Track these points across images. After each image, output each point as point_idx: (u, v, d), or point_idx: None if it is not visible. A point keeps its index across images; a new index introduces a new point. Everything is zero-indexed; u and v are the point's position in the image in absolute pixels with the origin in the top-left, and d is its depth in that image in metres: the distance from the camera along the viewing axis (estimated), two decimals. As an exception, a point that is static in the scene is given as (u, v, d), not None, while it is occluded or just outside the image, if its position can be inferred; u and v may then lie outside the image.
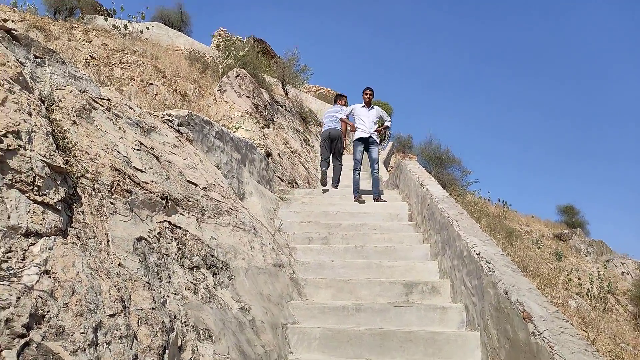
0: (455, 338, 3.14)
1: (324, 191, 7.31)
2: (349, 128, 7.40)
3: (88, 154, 2.52)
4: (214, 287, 2.90)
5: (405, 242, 5.07)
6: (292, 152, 11.02)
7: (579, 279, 14.17)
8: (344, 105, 8.64)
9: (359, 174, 6.82)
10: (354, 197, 6.56)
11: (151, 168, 3.09)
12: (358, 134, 6.89)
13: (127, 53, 12.29)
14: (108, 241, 2.20)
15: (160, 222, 2.79)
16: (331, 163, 8.27)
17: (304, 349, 3.21)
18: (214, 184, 3.98)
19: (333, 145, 8.13)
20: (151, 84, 10.45)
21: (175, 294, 2.46)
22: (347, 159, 10.94)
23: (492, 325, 2.88)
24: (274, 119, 12.11)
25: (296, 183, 8.95)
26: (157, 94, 10.22)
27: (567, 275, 13.67)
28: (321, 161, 8.12)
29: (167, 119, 4.30)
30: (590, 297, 11.91)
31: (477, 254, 3.32)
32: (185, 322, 2.33)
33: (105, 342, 1.73)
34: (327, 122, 8.28)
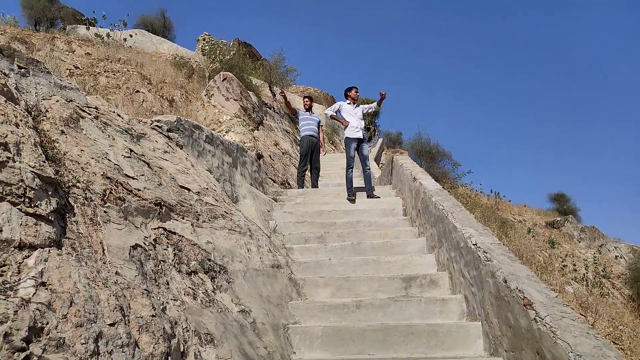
0: (457, 329, 3.15)
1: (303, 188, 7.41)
2: (326, 138, 7.45)
3: (78, 163, 2.48)
4: (213, 291, 2.88)
5: (401, 237, 5.07)
6: (282, 153, 10.99)
7: (574, 265, 14.30)
8: (310, 106, 8.45)
9: (352, 171, 6.83)
10: (348, 195, 6.56)
11: (143, 175, 3.06)
12: (351, 133, 6.90)
13: (111, 61, 12.19)
14: (103, 250, 2.17)
15: (155, 229, 2.77)
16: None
17: (307, 348, 3.19)
18: (207, 188, 3.96)
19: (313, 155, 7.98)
20: (137, 91, 10.38)
21: (174, 300, 2.43)
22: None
23: (493, 314, 2.89)
24: (263, 121, 12.07)
25: (289, 184, 8.93)
26: (144, 101, 10.14)
27: (562, 261, 13.80)
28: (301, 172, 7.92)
29: (156, 125, 4.26)
30: (586, 282, 12.02)
31: (474, 244, 3.33)
32: (186, 327, 2.31)
33: (107, 351, 1.71)
34: (306, 129, 8.10)
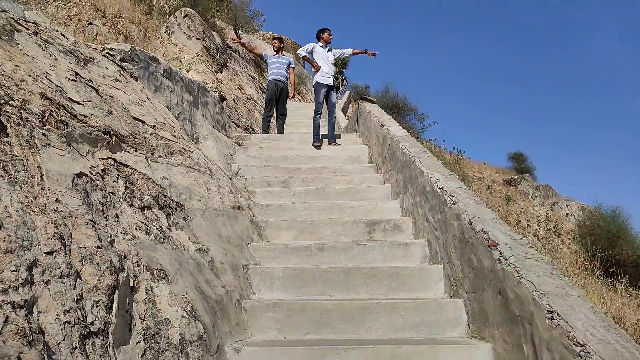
0: (419, 272, 3.13)
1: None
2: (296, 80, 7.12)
3: (12, 79, 2.19)
4: (168, 228, 2.71)
5: (366, 183, 5.00)
6: (247, 98, 10.62)
7: (527, 221, 14.87)
8: (279, 47, 8.06)
9: (319, 117, 6.65)
10: (314, 141, 6.40)
11: (90, 101, 2.78)
12: (321, 78, 6.66)
13: (61, -10, 11.20)
14: (42, 175, 1.95)
15: (103, 159, 2.54)
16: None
17: (267, 289, 3.11)
18: (164, 123, 3.70)
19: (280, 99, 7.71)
20: (90, 23, 9.62)
21: (124, 233, 2.25)
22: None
23: (456, 257, 2.87)
24: (227, 64, 11.54)
25: (253, 130, 8.66)
26: (98, 35, 9.44)
27: (517, 217, 14.30)
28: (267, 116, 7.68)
29: (107, 53, 3.90)
30: (537, 238, 12.54)
31: (440, 188, 3.27)
32: (137, 262, 2.15)
33: (43, 280, 1.53)
34: (273, 72, 7.76)
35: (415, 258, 3.45)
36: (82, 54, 3.19)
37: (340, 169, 5.48)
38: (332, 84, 6.70)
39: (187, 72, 7.61)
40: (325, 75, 6.64)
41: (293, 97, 8.17)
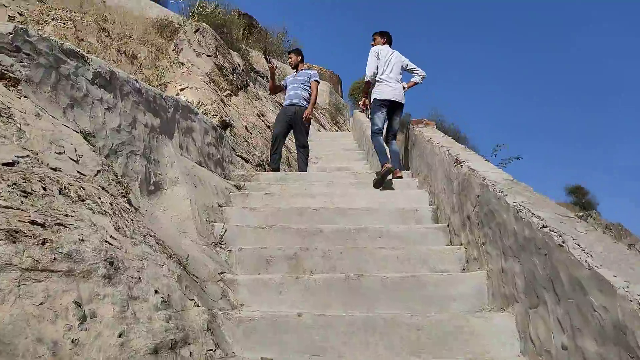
0: None
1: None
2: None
3: None
4: None
5: (433, 263, 2.84)
6: (268, 126, 8.71)
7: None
8: (296, 62, 6.02)
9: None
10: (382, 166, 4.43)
11: None
12: (382, 93, 4.81)
13: (67, 11, 9.83)
14: None
15: None
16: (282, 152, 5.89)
17: None
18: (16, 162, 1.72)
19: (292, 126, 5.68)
20: (82, 39, 8.09)
21: None
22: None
23: None
24: (248, 88, 9.76)
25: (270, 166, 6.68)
26: (89, 53, 7.87)
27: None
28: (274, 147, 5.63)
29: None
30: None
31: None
32: None
33: None
34: (288, 95, 5.81)
35: None
36: None
37: (387, 232, 3.34)
38: (395, 100, 4.93)
39: (181, 90, 5.77)
40: (387, 87, 4.91)
41: (309, 119, 5.67)
